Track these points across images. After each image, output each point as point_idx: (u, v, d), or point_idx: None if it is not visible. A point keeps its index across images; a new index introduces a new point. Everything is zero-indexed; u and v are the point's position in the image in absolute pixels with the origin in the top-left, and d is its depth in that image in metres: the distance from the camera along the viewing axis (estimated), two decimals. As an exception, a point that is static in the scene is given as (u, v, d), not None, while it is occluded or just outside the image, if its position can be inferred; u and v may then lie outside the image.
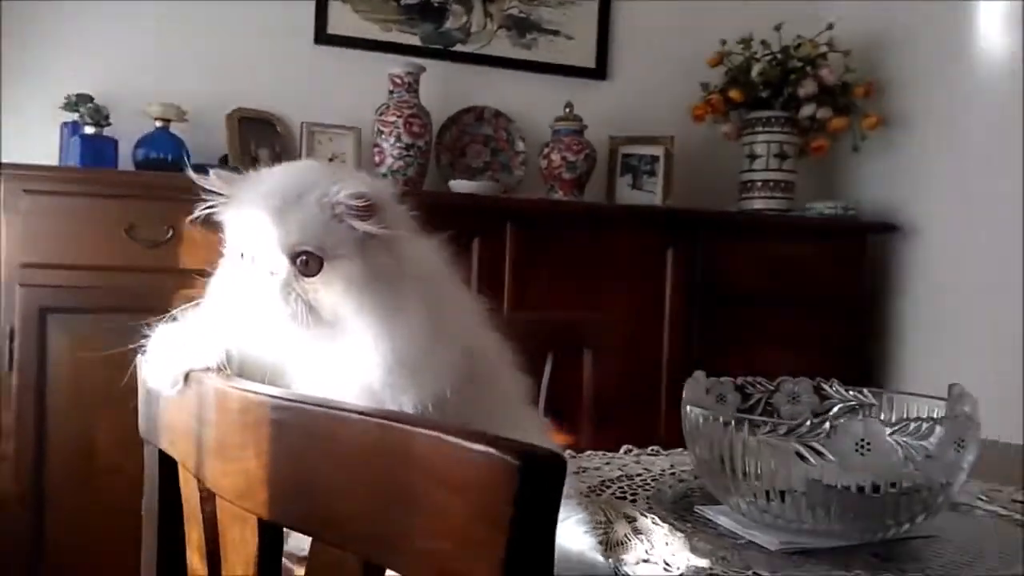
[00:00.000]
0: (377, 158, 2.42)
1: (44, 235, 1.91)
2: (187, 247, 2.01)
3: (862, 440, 0.75)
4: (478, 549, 0.38)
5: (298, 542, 0.71)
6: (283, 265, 0.68)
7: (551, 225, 2.34)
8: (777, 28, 2.72)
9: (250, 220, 0.70)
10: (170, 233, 1.99)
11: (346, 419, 0.45)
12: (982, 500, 0.94)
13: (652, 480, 1.03)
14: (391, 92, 2.43)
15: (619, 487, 0.98)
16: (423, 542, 0.41)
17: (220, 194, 0.73)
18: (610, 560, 0.74)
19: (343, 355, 0.69)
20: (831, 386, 1.01)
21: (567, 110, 2.59)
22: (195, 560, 0.65)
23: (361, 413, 0.45)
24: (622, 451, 1.20)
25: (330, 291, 0.68)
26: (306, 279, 0.68)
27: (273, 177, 0.73)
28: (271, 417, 0.50)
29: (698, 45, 2.78)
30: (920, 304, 2.68)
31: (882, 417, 0.95)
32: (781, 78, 2.66)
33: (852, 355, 2.62)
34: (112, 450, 1.92)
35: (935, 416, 0.89)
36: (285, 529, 0.55)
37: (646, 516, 0.85)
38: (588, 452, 1.19)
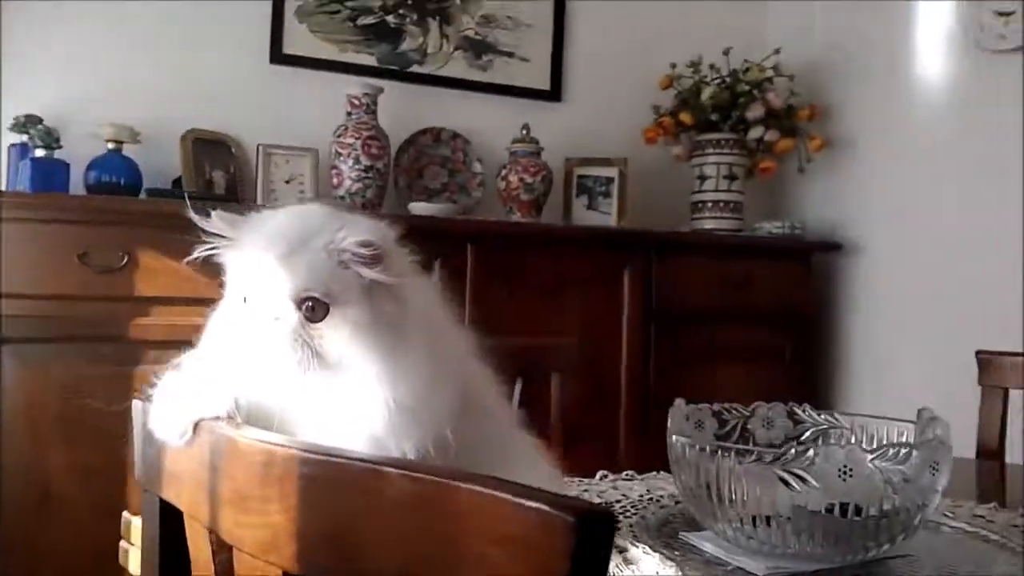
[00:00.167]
0: (335, 180, 2.41)
1: (-6, 263, 1.85)
2: (143, 274, 1.97)
3: (845, 466, 0.79)
4: (533, 604, 0.39)
5: None
6: (289, 310, 0.68)
7: (511, 247, 2.36)
8: (725, 52, 2.80)
9: (255, 264, 0.70)
10: (125, 259, 1.95)
11: (385, 474, 0.46)
12: (948, 516, 0.99)
13: (632, 507, 1.05)
14: (349, 113, 2.43)
15: (603, 514, 1.00)
16: (471, 597, 0.42)
17: (223, 236, 0.73)
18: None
19: (346, 401, 0.69)
20: (803, 410, 1.05)
21: (524, 132, 2.62)
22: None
23: (400, 468, 0.46)
24: (598, 477, 1.22)
25: (336, 337, 0.69)
26: (312, 325, 0.69)
27: (278, 221, 0.73)
28: (300, 471, 0.50)
29: (649, 68, 2.85)
30: (863, 319, 2.79)
31: (853, 441, 0.99)
32: (730, 101, 2.74)
33: (800, 370, 2.71)
34: (67, 482, 1.87)
35: (906, 440, 0.93)
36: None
37: (636, 546, 0.87)
38: (566, 478, 1.21)
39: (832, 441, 1.00)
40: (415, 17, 2.72)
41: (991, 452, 1.48)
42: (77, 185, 2.13)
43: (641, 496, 1.10)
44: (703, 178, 2.79)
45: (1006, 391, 1.51)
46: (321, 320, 0.69)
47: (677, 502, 1.05)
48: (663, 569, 0.82)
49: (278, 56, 2.54)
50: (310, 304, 0.69)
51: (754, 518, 0.83)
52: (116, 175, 2.14)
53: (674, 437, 0.90)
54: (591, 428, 2.21)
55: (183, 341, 0.77)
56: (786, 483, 0.81)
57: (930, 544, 0.90)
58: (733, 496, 0.83)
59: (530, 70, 2.85)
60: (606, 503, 1.07)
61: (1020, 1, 2.38)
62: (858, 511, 0.80)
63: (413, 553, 0.45)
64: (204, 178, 2.35)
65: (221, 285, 0.76)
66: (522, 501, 0.40)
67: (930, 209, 2.59)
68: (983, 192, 2.46)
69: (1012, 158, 2.39)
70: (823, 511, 0.81)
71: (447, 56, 2.75)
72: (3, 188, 2.12)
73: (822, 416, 1.03)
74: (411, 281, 0.74)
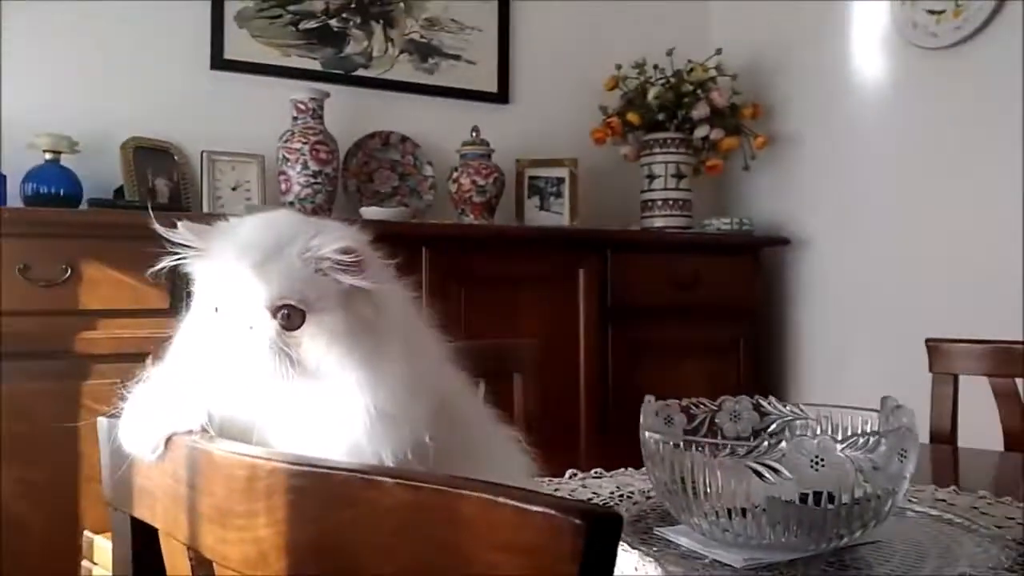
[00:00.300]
0: (283, 186, 2.37)
1: (-71, 281, 1.78)
2: (87, 286, 1.91)
3: (816, 456, 0.80)
4: (541, 608, 0.39)
5: None
6: (265, 319, 0.67)
7: (465, 249, 2.35)
8: (669, 53, 2.84)
9: (228, 274, 0.68)
10: (68, 272, 1.88)
11: (379, 484, 0.45)
12: (912, 502, 1.01)
13: (604, 504, 1.05)
14: (295, 118, 2.39)
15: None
16: (477, 604, 0.41)
17: (190, 247, 0.70)
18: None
19: (325, 409, 0.68)
20: (769, 403, 1.06)
21: (474, 134, 2.62)
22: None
23: (396, 477, 0.45)
24: (567, 475, 1.22)
25: (314, 345, 0.67)
26: (288, 333, 0.67)
27: (248, 229, 0.71)
28: (290, 484, 0.49)
29: (595, 69, 2.87)
30: (813, 311, 2.85)
31: (819, 431, 1.01)
32: (675, 101, 2.78)
33: (754, 363, 2.76)
34: (16, 502, 1.80)
35: (871, 428, 0.95)
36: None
37: (614, 543, 0.87)
38: (535, 479, 1.21)
39: (799, 432, 1.02)
40: (358, 21, 2.69)
41: (944, 437, 1.53)
42: (14, 198, 2.06)
43: (612, 493, 1.10)
44: (652, 177, 2.82)
45: (956, 377, 1.56)
46: (297, 328, 0.67)
47: (648, 498, 1.05)
48: (642, 565, 0.82)
49: (219, 62, 2.49)
50: (286, 312, 0.67)
51: (729, 510, 0.84)
52: (55, 186, 2.07)
53: (647, 433, 0.90)
54: (553, 426, 2.21)
55: (130, 354, 0.75)
56: (760, 475, 0.82)
57: (898, 529, 0.92)
58: (708, 489, 0.84)
59: (477, 72, 2.85)
60: (582, 501, 1.06)
61: (951, 0, 2.46)
62: (831, 499, 0.81)
63: (412, 564, 0.44)
64: (147, 187, 2.29)
65: (189, 296, 0.73)
66: (526, 506, 0.40)
67: (872, 201, 2.66)
68: (922, 184, 2.54)
69: (947, 151, 2.48)
70: (797, 501, 0.82)
71: (393, 59, 2.73)
72: (-66, 202, 2.03)
73: (787, 408, 1.05)
74: (387, 286, 0.73)
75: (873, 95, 2.68)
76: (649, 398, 1.00)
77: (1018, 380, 1.52)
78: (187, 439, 0.60)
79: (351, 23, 2.68)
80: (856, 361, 2.70)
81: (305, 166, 2.35)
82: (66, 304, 1.88)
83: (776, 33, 2.97)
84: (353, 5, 2.68)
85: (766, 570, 0.82)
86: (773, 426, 1.06)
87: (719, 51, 2.85)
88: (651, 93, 2.76)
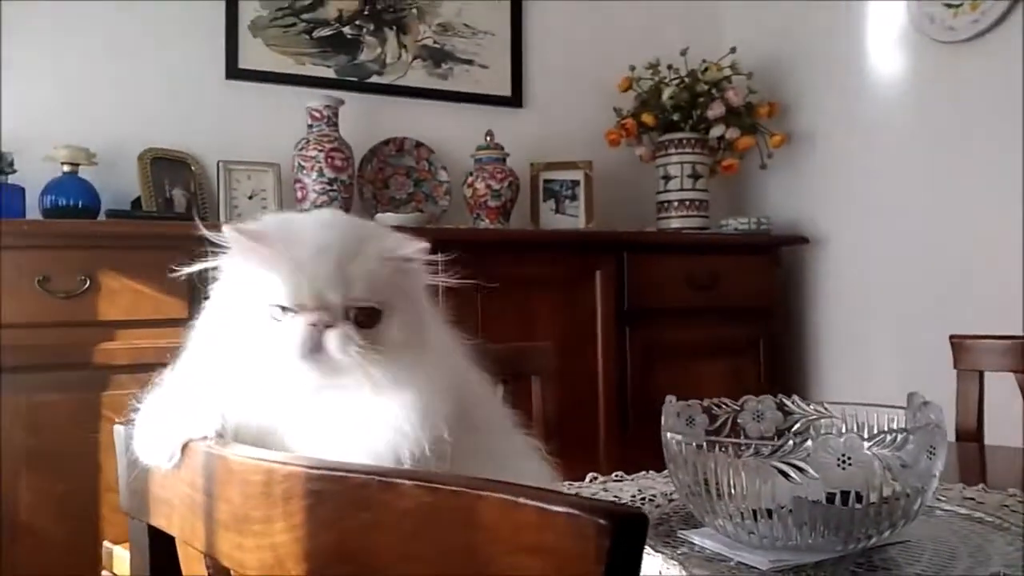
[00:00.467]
0: (299, 193, 2.37)
1: (-50, 294, 1.79)
2: (105, 297, 1.91)
3: (843, 455, 0.78)
4: (565, 611, 0.38)
5: None
6: (340, 319, 0.67)
7: (482, 254, 2.34)
8: (683, 53, 2.82)
9: (301, 274, 0.67)
10: (87, 283, 1.89)
11: (398, 486, 0.44)
12: (940, 500, 0.99)
13: (627, 507, 1.04)
14: (310, 126, 2.39)
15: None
16: (500, 608, 0.40)
17: (245, 248, 0.68)
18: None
19: (367, 407, 0.67)
20: (792, 402, 1.05)
21: (488, 139, 2.61)
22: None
23: (415, 480, 0.44)
24: (588, 479, 1.20)
25: (386, 343, 0.68)
26: (362, 332, 0.67)
27: (316, 228, 0.70)
28: (307, 488, 0.48)
29: (609, 71, 2.86)
30: (833, 310, 2.82)
31: (845, 429, 0.99)
32: (690, 101, 2.76)
33: (774, 362, 2.73)
34: (37, 513, 1.81)
35: (898, 425, 0.94)
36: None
37: (637, 546, 0.86)
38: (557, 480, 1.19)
39: (824, 431, 1.00)
40: (371, 28, 2.69)
41: (970, 434, 1.50)
42: (33, 210, 2.07)
43: (633, 496, 1.09)
44: (667, 178, 2.81)
45: (981, 374, 1.53)
46: (372, 327, 0.67)
47: (671, 500, 1.04)
48: (666, 568, 0.81)
49: (234, 71, 2.50)
50: (364, 312, 0.67)
51: (754, 512, 0.82)
52: (73, 198, 2.08)
53: (669, 434, 0.89)
54: (572, 430, 2.20)
55: (149, 364, 0.74)
56: (785, 475, 0.80)
57: (927, 529, 0.90)
58: (732, 491, 0.83)
59: (490, 77, 2.84)
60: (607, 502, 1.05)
61: (968, -8, 2.43)
62: (859, 499, 0.79)
63: (431, 568, 0.43)
64: (164, 197, 2.30)
65: (205, 303, 0.73)
66: (549, 506, 0.39)
67: (891, 198, 2.63)
68: (941, 179, 2.50)
69: (966, 145, 2.44)
70: (823, 501, 0.80)
71: (406, 66, 2.74)
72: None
73: (811, 406, 1.03)
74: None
75: (890, 90, 2.65)
76: (670, 399, 0.99)
77: (1046, 376, 1.49)
78: (203, 445, 0.60)
79: (364, 30, 2.68)
80: (878, 359, 2.66)
81: (321, 173, 2.35)
82: (85, 315, 1.89)
83: (791, 30, 2.95)
84: (366, 12, 2.68)
85: (793, 572, 0.80)
86: (797, 425, 1.04)
87: (733, 50, 2.83)
88: (665, 93, 2.75)
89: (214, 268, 0.72)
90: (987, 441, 1.52)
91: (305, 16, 2.60)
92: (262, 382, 0.67)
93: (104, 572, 1.29)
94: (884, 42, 2.67)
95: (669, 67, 2.82)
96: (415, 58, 2.75)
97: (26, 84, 2.23)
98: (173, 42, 2.42)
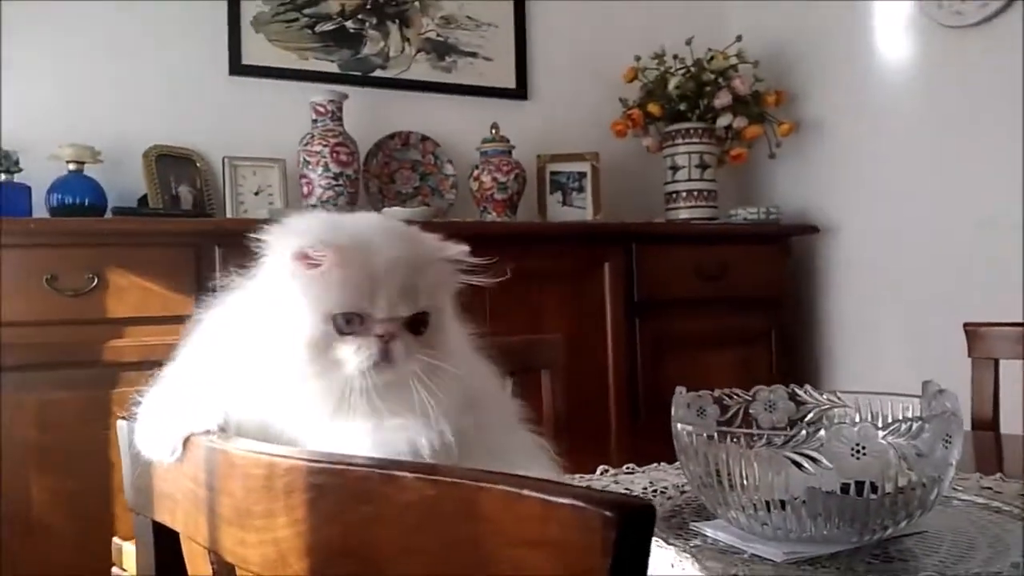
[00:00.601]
0: (305, 189, 2.36)
1: (-41, 293, 1.79)
2: (113, 294, 1.91)
3: (857, 444, 0.77)
4: (571, 606, 0.37)
5: None
6: (401, 328, 0.67)
7: (489, 246, 2.33)
8: (688, 42, 2.80)
9: (373, 286, 0.66)
10: (94, 280, 1.89)
11: (399, 479, 0.43)
12: (956, 490, 0.98)
13: (638, 499, 1.02)
14: (315, 121, 2.39)
15: (609, 510, 0.97)
16: (502, 603, 0.39)
17: (313, 255, 0.67)
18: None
19: (405, 403, 0.67)
20: (805, 391, 1.03)
21: (493, 131, 2.60)
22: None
23: (416, 472, 0.43)
24: (598, 472, 1.19)
25: (432, 346, 0.69)
26: (416, 337, 0.68)
27: (382, 239, 0.69)
28: (308, 481, 0.47)
29: (614, 61, 2.84)
30: (845, 299, 2.80)
31: (859, 419, 0.97)
32: (696, 90, 2.74)
33: (786, 352, 2.71)
34: (49, 511, 1.81)
35: (913, 414, 0.92)
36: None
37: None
38: (565, 476, 1.18)
39: (838, 420, 0.98)
40: (374, 21, 2.68)
41: (986, 423, 1.48)
42: (40, 208, 2.07)
43: (645, 488, 1.08)
44: (675, 168, 2.79)
45: (996, 362, 1.51)
46: (423, 332, 0.68)
47: (683, 492, 1.02)
48: (679, 561, 0.79)
49: (237, 67, 2.49)
50: (417, 318, 0.68)
51: (767, 503, 0.81)
52: (79, 196, 2.08)
53: (679, 425, 0.87)
54: (582, 422, 2.19)
55: (158, 361, 0.74)
56: (798, 465, 0.79)
57: (944, 519, 0.89)
58: (744, 482, 0.81)
59: (495, 69, 2.83)
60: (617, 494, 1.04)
61: (978, -24, 2.40)
62: (874, 489, 0.78)
63: (434, 562, 0.42)
64: (170, 194, 2.29)
65: (216, 295, 0.72)
66: (552, 498, 0.37)
67: (901, 185, 2.60)
68: (951, 165, 2.47)
69: (976, 130, 2.41)
70: (838, 491, 0.79)
71: (410, 59, 2.72)
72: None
73: (824, 396, 1.02)
74: None
75: (899, 76, 2.62)
76: (680, 389, 0.97)
77: (1062, 363, 1.47)
78: (205, 439, 0.59)
79: (367, 24, 2.67)
80: (890, 348, 2.64)
81: (326, 168, 2.34)
82: (93, 313, 1.89)
83: (797, 17, 2.92)
84: (368, 6, 2.67)
85: (808, 564, 0.78)
86: (810, 415, 1.02)
87: (739, 38, 2.80)
88: (672, 83, 2.73)
89: (247, 267, 0.71)
90: (1002, 430, 1.50)
91: (307, 11, 2.59)
92: (293, 382, 0.66)
93: (114, 568, 1.29)
94: (891, 27, 2.64)
95: (675, 57, 2.79)
96: (419, 51, 2.73)
97: (30, 83, 2.23)
98: (176, 39, 2.42)
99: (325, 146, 2.34)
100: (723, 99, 2.71)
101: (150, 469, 0.63)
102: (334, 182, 2.34)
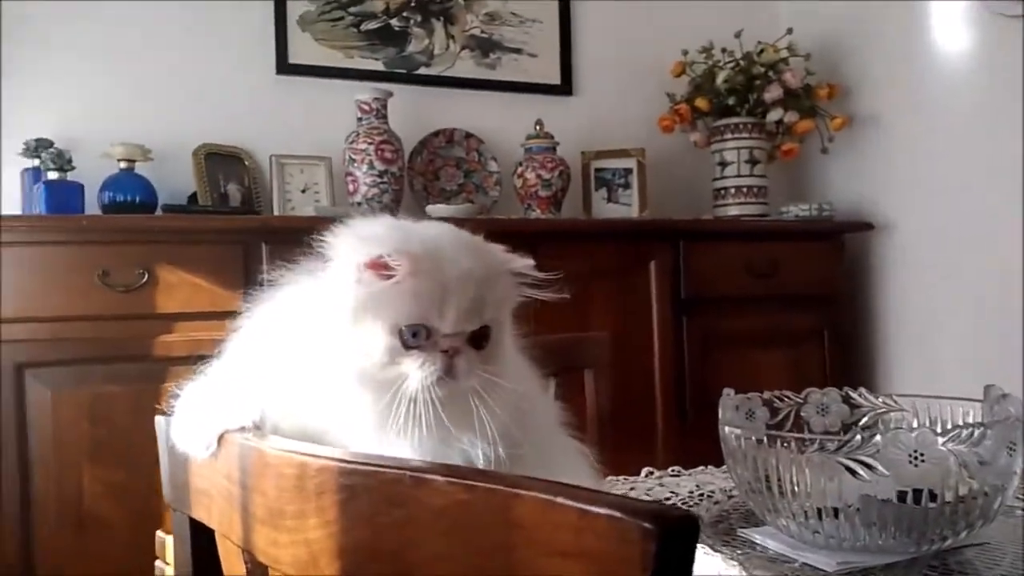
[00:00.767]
0: (351, 187, 2.37)
1: (14, 288, 1.83)
2: (163, 290, 1.94)
3: (915, 450, 0.73)
4: (606, 621, 0.35)
5: None
6: (465, 343, 0.66)
7: (533, 244, 2.31)
8: (737, 35, 2.74)
9: (444, 299, 0.65)
10: (145, 277, 1.92)
11: (430, 482, 0.42)
12: (1020, 500, 0.93)
13: (683, 504, 1.00)
14: (360, 119, 2.39)
15: (653, 514, 0.95)
16: (535, 614, 0.37)
17: (387, 268, 0.65)
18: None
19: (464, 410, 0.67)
20: (859, 394, 0.99)
21: (538, 127, 2.58)
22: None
23: (448, 475, 0.41)
24: (643, 474, 1.17)
25: (494, 359, 0.68)
26: (477, 352, 0.67)
27: (454, 251, 0.67)
28: (340, 482, 0.46)
29: (660, 56, 2.80)
30: (901, 298, 2.71)
31: (916, 424, 0.93)
32: (746, 84, 2.68)
33: (839, 353, 2.64)
34: (99, 503, 1.85)
35: (974, 419, 0.88)
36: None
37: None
38: (609, 478, 1.16)
39: (894, 425, 0.94)
40: (419, 19, 2.68)
41: (1051, 428, 1.41)
42: (92, 206, 2.11)
43: (691, 492, 1.05)
44: (723, 164, 2.73)
45: (1063, 363, 1.44)
46: (485, 347, 0.68)
47: (730, 497, 0.99)
48: (726, 569, 0.77)
49: (284, 66, 2.51)
50: (480, 332, 0.67)
51: (819, 510, 0.78)
52: (130, 194, 2.12)
53: (727, 428, 0.85)
54: (628, 423, 2.15)
55: (207, 356, 0.73)
56: (852, 472, 0.75)
57: (1007, 530, 0.84)
58: (795, 488, 0.78)
59: (539, 65, 2.81)
60: (655, 502, 1.01)
61: (1043, -38, 2.30)
62: (932, 497, 0.74)
63: (467, 568, 0.41)
64: (219, 192, 2.32)
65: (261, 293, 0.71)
66: (589, 507, 0.36)
67: (959, 180, 2.51)
68: (1011, 159, 2.38)
69: (1044, 124, 2.31)
70: (894, 500, 0.75)
71: (454, 56, 2.71)
72: (19, 212, 2.11)
73: (880, 399, 0.98)
74: None
75: (956, 68, 2.53)
76: (728, 391, 0.94)
77: None
78: (239, 436, 0.58)
79: (412, 22, 2.67)
80: (949, 350, 2.55)
81: (371, 166, 2.34)
82: (143, 308, 1.92)
83: (850, 9, 2.83)
84: (413, 4, 2.67)
85: (861, 575, 0.75)
86: (864, 419, 0.99)
87: (790, 31, 2.74)
88: (720, 77, 2.67)
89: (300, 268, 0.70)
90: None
91: (353, 9, 2.60)
92: (350, 392, 0.65)
93: (158, 562, 1.30)
94: (948, 18, 2.55)
95: (723, 50, 2.74)
96: (463, 48, 2.72)
97: (83, 83, 2.28)
98: (224, 39, 2.45)
99: (370, 144, 2.35)
100: (773, 93, 2.65)
101: (187, 464, 0.63)
102: (379, 179, 2.35)
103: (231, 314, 0.75)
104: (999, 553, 0.79)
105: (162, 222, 2.08)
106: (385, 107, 2.41)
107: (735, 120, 2.70)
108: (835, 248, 2.69)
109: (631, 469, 1.22)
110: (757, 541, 0.84)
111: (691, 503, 1.00)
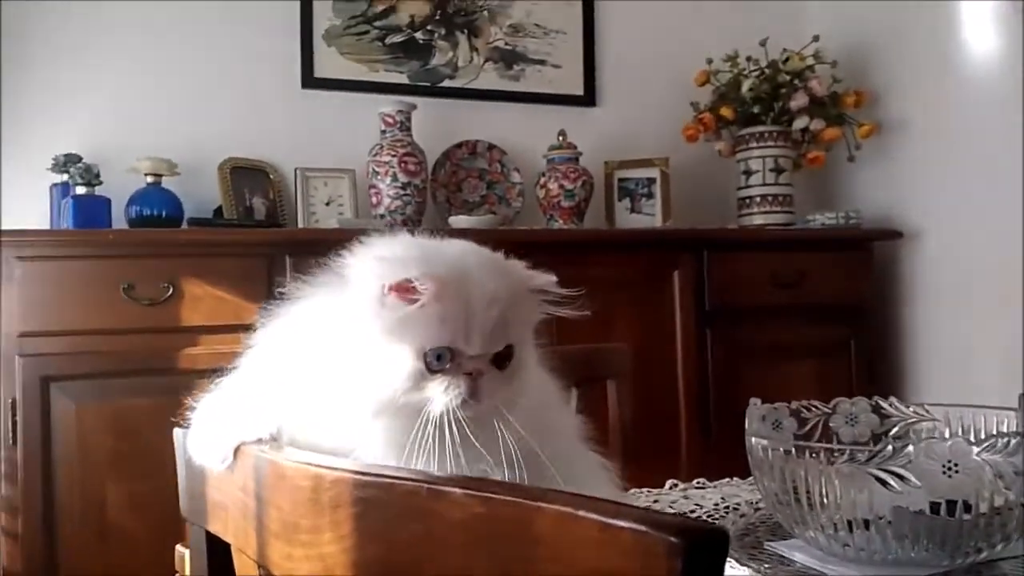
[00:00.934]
0: (374, 199, 2.38)
1: (41, 302, 1.85)
2: (188, 303, 1.96)
3: (949, 461, 0.71)
4: (629, 639, 0.33)
5: None
6: (489, 365, 0.65)
7: (556, 254, 2.30)
8: (762, 43, 2.72)
9: (469, 323, 0.64)
10: (170, 290, 1.93)
11: (448, 495, 0.41)
12: (1059, 513, 0.90)
13: (709, 517, 0.98)
14: (383, 132, 2.40)
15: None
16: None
17: (413, 290, 0.64)
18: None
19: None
20: (889, 404, 0.97)
21: (560, 138, 2.57)
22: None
23: (466, 488, 0.40)
24: (667, 486, 1.15)
25: (517, 378, 0.67)
26: (500, 372, 0.66)
27: (480, 273, 0.67)
28: (355, 495, 0.45)
29: (684, 65, 2.78)
30: (930, 307, 2.66)
31: (948, 433, 0.91)
32: (771, 93, 2.66)
33: (867, 363, 2.60)
34: (123, 515, 1.86)
35: (1008, 428, 0.85)
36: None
37: (720, 559, 0.80)
38: (632, 490, 1.14)
39: (926, 435, 0.92)
40: (443, 32, 2.69)
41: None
42: (119, 220, 2.14)
43: (716, 505, 1.03)
44: (749, 173, 2.71)
45: (1101, 373, 1.40)
46: (505, 368, 0.67)
47: (757, 509, 0.97)
48: (753, 584, 0.75)
49: (310, 80, 2.53)
50: (507, 352, 0.66)
51: (849, 522, 0.76)
52: (157, 208, 2.14)
53: (754, 439, 0.83)
54: (651, 434, 2.13)
55: (230, 369, 0.73)
56: (883, 483, 0.73)
57: (1046, 543, 0.81)
58: (824, 500, 0.76)
59: (563, 76, 2.80)
60: (681, 515, 1.00)
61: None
62: (967, 509, 0.72)
63: (486, 583, 0.39)
64: (244, 205, 2.34)
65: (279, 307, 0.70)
66: (613, 521, 0.34)
67: (990, 187, 2.46)
68: (1048, 167, 2.33)
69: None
70: (927, 511, 0.73)
71: (478, 68, 2.72)
72: (48, 226, 2.14)
73: (911, 409, 0.95)
74: None
75: (987, 70, 2.49)
76: (755, 401, 0.92)
77: None
78: (255, 448, 0.57)
79: (436, 35, 2.68)
80: (979, 359, 2.49)
81: (395, 178, 2.35)
82: (168, 321, 1.93)
83: (877, 15, 2.80)
84: (438, 17, 2.68)
85: (894, 590, 0.73)
86: (895, 429, 0.96)
87: (816, 38, 2.71)
88: (745, 85, 2.65)
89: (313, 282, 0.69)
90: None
91: (377, 23, 2.62)
92: (371, 415, 0.64)
93: (177, 575, 1.30)
94: (978, 22, 2.51)
95: (748, 59, 2.72)
96: (487, 60, 2.73)
97: (110, 99, 2.31)
98: (250, 54, 2.47)
99: (393, 156, 2.36)
100: (799, 101, 2.63)
101: (203, 477, 0.62)
102: (402, 192, 2.35)
103: (255, 327, 0.75)
104: (1037, 568, 0.76)
105: (187, 235, 2.10)
106: (409, 120, 2.41)
107: (760, 128, 2.68)
108: (863, 257, 2.65)
109: (654, 481, 1.20)
110: (785, 554, 0.82)
111: (717, 516, 0.98)
